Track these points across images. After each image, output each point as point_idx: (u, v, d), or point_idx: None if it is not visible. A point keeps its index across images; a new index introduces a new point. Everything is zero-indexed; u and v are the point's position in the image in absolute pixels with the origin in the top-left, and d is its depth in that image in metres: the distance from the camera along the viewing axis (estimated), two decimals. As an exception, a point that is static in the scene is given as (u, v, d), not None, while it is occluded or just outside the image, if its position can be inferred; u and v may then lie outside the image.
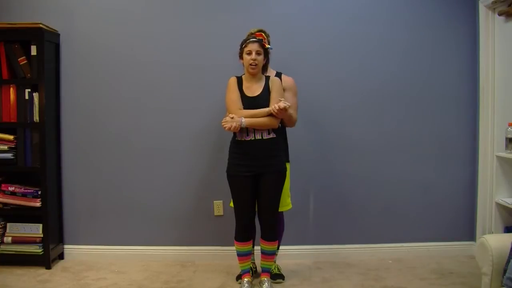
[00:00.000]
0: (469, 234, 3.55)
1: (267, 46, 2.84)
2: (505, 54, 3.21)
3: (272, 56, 3.04)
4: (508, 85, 3.20)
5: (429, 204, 3.54)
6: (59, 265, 3.38)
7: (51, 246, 3.30)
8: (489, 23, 3.30)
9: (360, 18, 3.45)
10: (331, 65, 3.47)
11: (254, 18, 3.37)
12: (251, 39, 2.79)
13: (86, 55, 3.46)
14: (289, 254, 3.41)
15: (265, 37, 2.97)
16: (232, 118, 2.73)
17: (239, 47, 2.84)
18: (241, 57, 2.85)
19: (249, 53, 2.78)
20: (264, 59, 2.82)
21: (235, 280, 3.10)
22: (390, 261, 3.44)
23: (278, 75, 3.01)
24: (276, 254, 3.13)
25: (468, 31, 3.48)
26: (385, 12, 3.47)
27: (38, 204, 3.25)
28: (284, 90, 2.93)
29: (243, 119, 2.74)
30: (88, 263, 3.40)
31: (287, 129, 3.06)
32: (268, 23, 3.18)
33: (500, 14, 3.17)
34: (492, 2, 3.19)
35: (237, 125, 2.71)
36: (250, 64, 2.78)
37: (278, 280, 3.08)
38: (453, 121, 3.53)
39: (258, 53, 2.78)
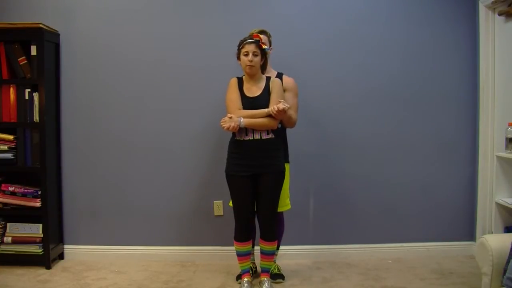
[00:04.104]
0: (469, 234, 3.55)
1: (264, 47, 2.84)
2: (505, 54, 3.21)
3: (273, 56, 3.05)
4: (508, 85, 3.20)
5: (429, 204, 3.54)
6: (59, 265, 3.38)
7: (51, 246, 3.30)
8: (489, 23, 3.30)
9: (360, 18, 3.45)
10: (331, 65, 3.47)
11: (255, 19, 3.37)
12: (248, 40, 2.79)
13: (86, 55, 3.46)
14: (289, 254, 3.41)
15: (267, 37, 2.98)
16: (231, 118, 2.73)
17: (237, 48, 2.84)
18: (238, 57, 2.85)
19: (246, 54, 2.78)
20: (261, 60, 2.82)
21: (235, 280, 3.10)
22: (390, 261, 3.44)
23: (279, 75, 3.01)
24: (276, 254, 3.13)
25: (468, 31, 3.48)
26: (385, 12, 3.47)
27: (38, 204, 3.25)
28: (285, 90, 2.94)
29: (242, 119, 2.74)
30: (88, 263, 3.40)
31: (287, 129, 3.06)
32: (269, 23, 3.19)
33: (500, 14, 3.17)
34: (492, 2, 3.19)
35: (235, 125, 2.71)
36: (247, 65, 2.78)
37: (278, 280, 3.08)
38: (453, 121, 3.54)
39: (255, 54, 2.77)
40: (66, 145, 3.49)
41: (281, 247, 3.22)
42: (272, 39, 3.05)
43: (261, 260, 2.99)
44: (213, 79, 3.37)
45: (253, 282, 3.00)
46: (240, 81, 2.88)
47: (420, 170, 3.53)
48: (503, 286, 2.16)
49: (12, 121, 3.24)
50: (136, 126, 3.47)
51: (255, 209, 2.92)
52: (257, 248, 3.12)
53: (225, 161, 2.92)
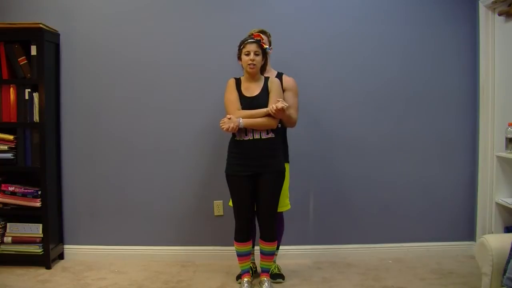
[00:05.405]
0: (469, 234, 3.55)
1: (265, 46, 2.84)
2: (505, 54, 3.21)
3: (273, 56, 3.05)
4: (508, 85, 3.20)
5: (429, 204, 3.54)
6: (59, 265, 3.38)
7: (51, 246, 3.30)
8: (489, 23, 3.30)
9: (360, 18, 3.45)
10: (331, 65, 3.47)
11: (255, 18, 3.37)
12: (249, 40, 2.80)
13: (86, 55, 3.46)
14: (289, 254, 3.41)
15: (267, 37, 2.99)
16: (230, 118, 2.73)
17: (238, 48, 2.84)
18: (239, 58, 2.85)
19: (248, 54, 2.78)
20: (262, 60, 2.82)
21: (235, 280, 3.10)
22: (390, 261, 3.44)
23: (279, 75, 3.01)
24: (276, 254, 3.13)
25: (468, 31, 3.48)
26: (385, 12, 3.47)
27: (38, 204, 3.24)
28: (285, 90, 2.94)
29: (241, 120, 2.74)
30: (88, 263, 3.40)
31: (288, 129, 3.06)
32: (269, 23, 3.19)
33: (500, 14, 3.18)
34: (492, 2, 3.19)
35: (234, 126, 2.71)
36: (249, 65, 2.78)
37: (278, 280, 3.08)
38: (453, 121, 3.54)
39: (256, 54, 2.78)
40: (66, 145, 3.49)
41: (281, 247, 3.22)
42: (272, 39, 3.05)
43: (261, 260, 2.99)
44: (213, 79, 3.37)
45: (253, 282, 3.00)
46: (238, 82, 2.88)
47: (420, 170, 3.53)
48: (503, 286, 2.16)
49: (12, 121, 3.24)
50: (136, 126, 3.47)
51: (255, 209, 2.92)
52: (257, 248, 3.12)
53: (225, 161, 2.92)
